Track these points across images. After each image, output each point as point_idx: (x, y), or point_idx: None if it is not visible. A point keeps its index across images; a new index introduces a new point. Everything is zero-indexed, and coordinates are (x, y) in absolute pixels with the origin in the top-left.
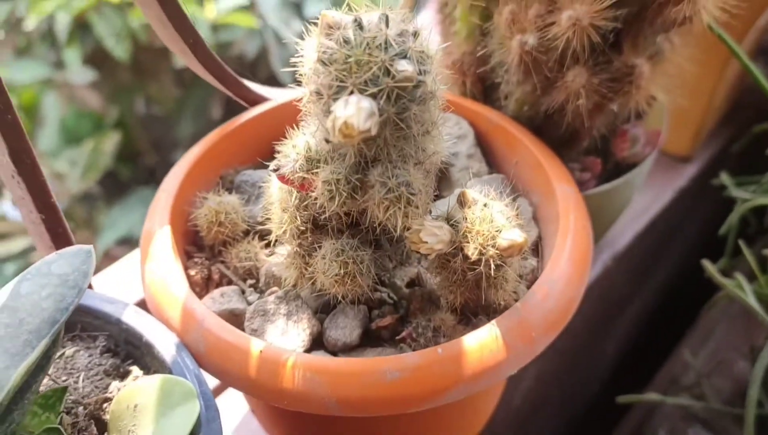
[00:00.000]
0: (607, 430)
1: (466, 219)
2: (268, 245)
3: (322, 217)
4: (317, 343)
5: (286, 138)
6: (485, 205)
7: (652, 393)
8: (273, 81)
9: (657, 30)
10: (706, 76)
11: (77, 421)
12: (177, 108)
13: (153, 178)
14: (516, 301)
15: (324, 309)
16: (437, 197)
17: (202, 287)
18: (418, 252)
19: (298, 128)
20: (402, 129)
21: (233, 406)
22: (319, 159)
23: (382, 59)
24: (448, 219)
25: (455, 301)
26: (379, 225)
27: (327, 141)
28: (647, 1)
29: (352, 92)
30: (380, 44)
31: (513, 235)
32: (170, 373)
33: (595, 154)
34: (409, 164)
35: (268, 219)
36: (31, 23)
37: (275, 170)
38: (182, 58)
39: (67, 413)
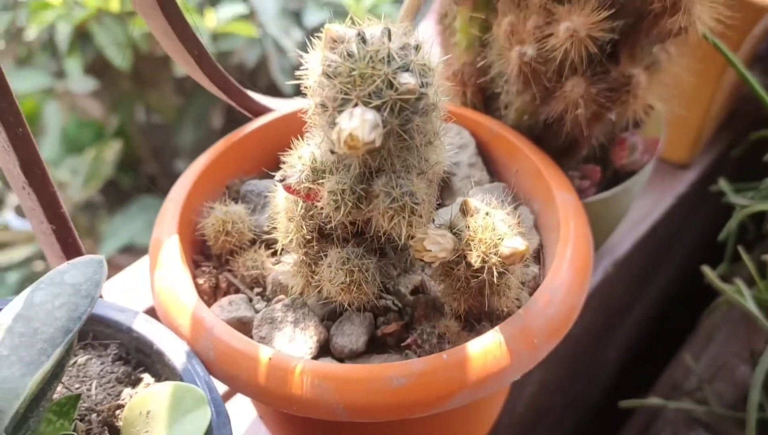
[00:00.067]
0: None
1: (469, 227)
2: (274, 254)
3: (328, 226)
4: (324, 350)
5: (290, 148)
6: (487, 213)
7: (654, 398)
8: (273, 89)
9: (653, 41)
10: (704, 85)
11: (91, 428)
12: (177, 116)
13: (154, 187)
14: (518, 307)
15: (330, 316)
16: (439, 206)
17: (210, 296)
18: (422, 260)
19: (302, 139)
20: (405, 140)
21: (241, 412)
22: (325, 169)
23: (386, 72)
24: (451, 227)
25: (459, 307)
26: (384, 234)
27: (332, 152)
28: (643, 13)
29: (356, 104)
30: (383, 58)
31: (515, 243)
32: (181, 380)
33: (594, 162)
34: (413, 174)
35: (275, 228)
36: (32, 33)
37: (281, 181)
38: (187, 69)
39: (81, 420)
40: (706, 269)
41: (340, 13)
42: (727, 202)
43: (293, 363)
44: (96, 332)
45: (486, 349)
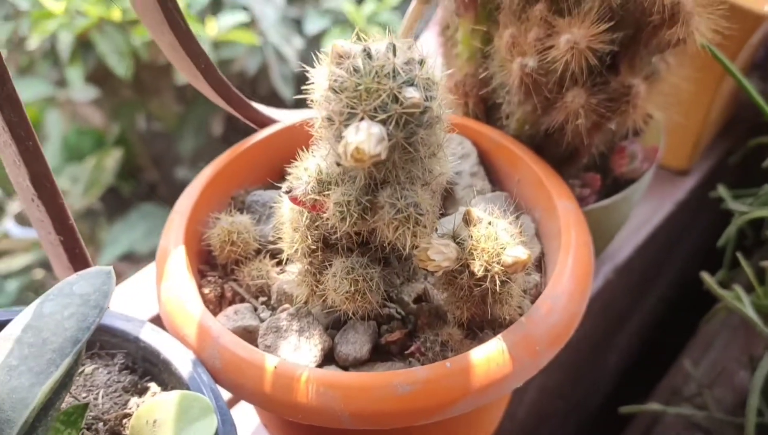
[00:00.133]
0: None
1: (472, 237)
2: (279, 263)
3: (333, 236)
4: (328, 358)
5: (294, 159)
6: (490, 223)
7: (654, 403)
8: (274, 97)
9: (652, 51)
10: (702, 93)
11: None
12: (178, 124)
13: (154, 194)
14: (521, 315)
15: (335, 325)
16: (442, 215)
17: (215, 305)
18: (425, 269)
19: (306, 150)
20: (410, 152)
21: (244, 420)
22: (330, 181)
23: (391, 87)
24: (454, 237)
25: (462, 316)
26: (389, 244)
27: (338, 164)
28: (642, 25)
29: (362, 118)
30: (388, 72)
31: (517, 252)
32: (187, 389)
33: (594, 170)
34: (417, 185)
35: (280, 238)
36: (33, 42)
37: (287, 192)
38: (193, 82)
39: (88, 429)
40: (705, 275)
41: (341, 21)
42: (726, 209)
43: (299, 371)
44: (103, 342)
45: (489, 356)
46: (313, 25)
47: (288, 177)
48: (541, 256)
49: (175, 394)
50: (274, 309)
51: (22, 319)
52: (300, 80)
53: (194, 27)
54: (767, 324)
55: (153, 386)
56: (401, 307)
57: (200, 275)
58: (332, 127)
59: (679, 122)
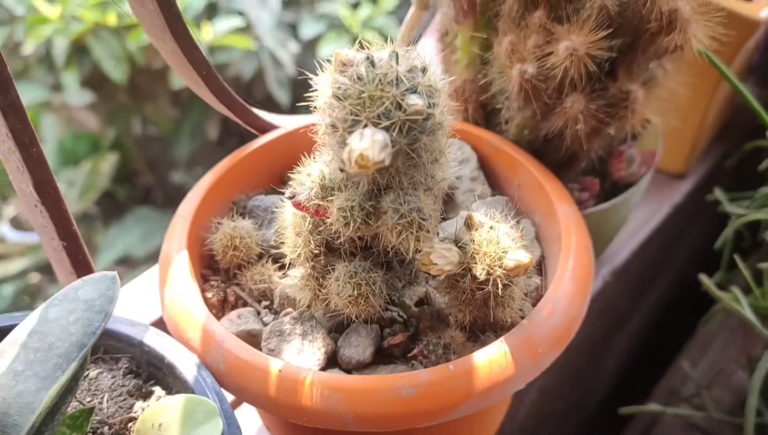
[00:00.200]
0: None
1: (474, 241)
2: (281, 268)
3: (337, 241)
4: (332, 361)
5: (296, 164)
6: (491, 227)
7: (654, 404)
8: (269, 101)
9: (650, 58)
10: (699, 98)
11: None
12: (174, 129)
13: (150, 198)
14: (522, 318)
15: (337, 328)
16: (443, 219)
17: (218, 309)
18: (428, 273)
19: (307, 156)
20: (413, 158)
21: (247, 422)
22: (333, 187)
23: (394, 94)
24: (456, 241)
25: (464, 319)
26: (392, 248)
27: (341, 170)
28: (640, 32)
29: (366, 125)
30: (392, 80)
31: (519, 255)
32: (192, 392)
33: (593, 174)
34: (420, 191)
35: (282, 243)
36: (29, 47)
37: (291, 197)
38: (194, 88)
39: (93, 433)
40: (704, 277)
41: (336, 25)
42: (723, 211)
43: (303, 374)
44: (107, 346)
45: (491, 359)
46: (309, 29)
47: (291, 182)
48: (541, 260)
49: (180, 398)
50: (277, 313)
51: (28, 324)
52: (296, 85)
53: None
54: (765, 325)
55: (157, 390)
56: (403, 311)
57: (203, 280)
58: (336, 134)
59: (676, 126)
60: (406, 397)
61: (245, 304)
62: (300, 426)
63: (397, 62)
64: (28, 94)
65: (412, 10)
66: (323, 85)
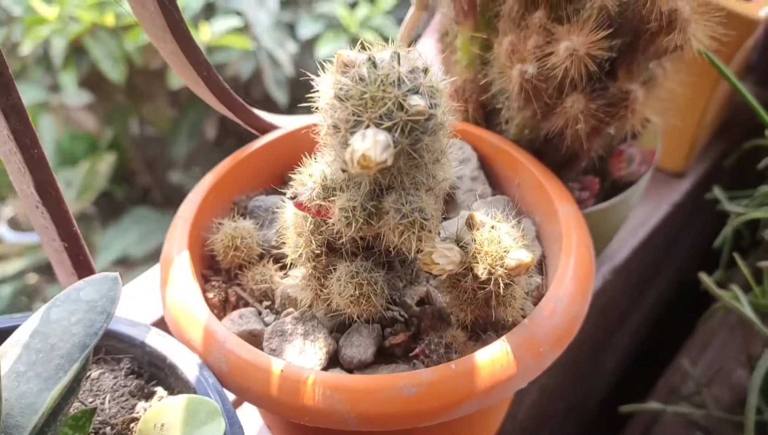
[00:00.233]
0: None
1: (475, 241)
2: (282, 268)
3: (338, 241)
4: (333, 361)
5: (296, 164)
6: (493, 227)
7: (654, 402)
8: (267, 101)
9: (650, 57)
10: (697, 97)
11: None
12: (171, 129)
13: (147, 199)
14: (523, 317)
15: (339, 328)
16: (444, 219)
17: (219, 309)
18: (430, 273)
19: (307, 156)
20: (415, 158)
21: (248, 421)
22: (335, 187)
23: (396, 95)
24: (458, 241)
25: (466, 318)
26: (394, 248)
27: (343, 170)
28: (640, 32)
29: (368, 126)
30: (393, 81)
31: (520, 255)
32: (194, 392)
33: (593, 173)
34: (421, 191)
35: (283, 243)
36: (26, 48)
37: (292, 198)
38: (195, 89)
39: (96, 433)
40: (703, 276)
41: (334, 25)
42: (722, 210)
43: (305, 374)
44: (109, 347)
45: (493, 358)
46: (307, 29)
47: (292, 183)
48: (542, 259)
49: (182, 398)
50: (278, 313)
51: (30, 325)
52: (294, 85)
53: None
54: (765, 323)
55: (159, 390)
56: (404, 310)
57: (204, 280)
58: (338, 135)
59: (676, 125)
60: (408, 396)
61: (246, 305)
62: (302, 426)
63: (399, 63)
64: (26, 95)
65: (411, 10)
66: (325, 86)
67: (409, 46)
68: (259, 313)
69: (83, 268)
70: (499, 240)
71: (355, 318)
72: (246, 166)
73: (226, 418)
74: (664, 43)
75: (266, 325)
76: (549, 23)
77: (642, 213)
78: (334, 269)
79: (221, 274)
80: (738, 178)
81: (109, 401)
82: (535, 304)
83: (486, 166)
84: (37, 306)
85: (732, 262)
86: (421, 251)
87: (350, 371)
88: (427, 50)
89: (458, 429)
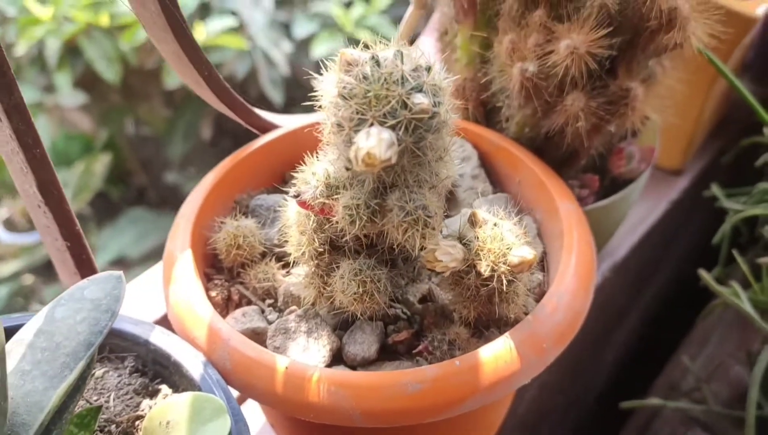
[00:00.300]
0: None
1: (478, 238)
2: (284, 266)
3: (343, 239)
4: (337, 358)
5: (297, 163)
6: (495, 224)
7: (655, 398)
8: (263, 101)
9: (649, 55)
10: (695, 94)
11: None
12: (167, 129)
13: (143, 199)
14: (526, 314)
15: (342, 326)
16: (445, 217)
17: (222, 308)
18: (433, 270)
19: (308, 155)
20: (418, 156)
21: (251, 419)
22: (339, 185)
23: (400, 93)
24: (460, 238)
25: (469, 315)
26: (397, 246)
27: (347, 168)
28: (640, 30)
29: (372, 124)
30: (397, 79)
31: (523, 252)
32: (199, 390)
33: (592, 171)
34: (425, 188)
35: (286, 241)
36: (21, 48)
37: (296, 196)
38: (196, 89)
39: (101, 431)
40: (703, 272)
41: (329, 25)
42: (720, 207)
43: (310, 371)
44: (113, 345)
45: (497, 354)
46: (302, 29)
47: (295, 181)
48: (543, 256)
49: (187, 396)
50: (281, 311)
51: (34, 324)
52: (289, 84)
53: None
54: (765, 319)
55: (164, 388)
56: (407, 308)
57: (207, 279)
58: (342, 133)
59: (673, 123)
60: (412, 392)
61: (249, 303)
62: (305, 423)
63: (402, 61)
64: None
65: (410, 9)
66: (328, 85)
67: (409, 45)
68: (262, 312)
69: (86, 268)
70: (501, 237)
71: (358, 315)
72: (247, 165)
73: (231, 415)
74: (663, 41)
75: (269, 323)
76: (549, 21)
77: (640, 211)
78: (337, 267)
79: (224, 273)
80: (735, 175)
81: (114, 399)
82: (537, 301)
83: (486, 164)
84: (33, 307)
85: (730, 259)
86: (425, 248)
87: (354, 368)
88: (427, 49)
89: (462, 425)
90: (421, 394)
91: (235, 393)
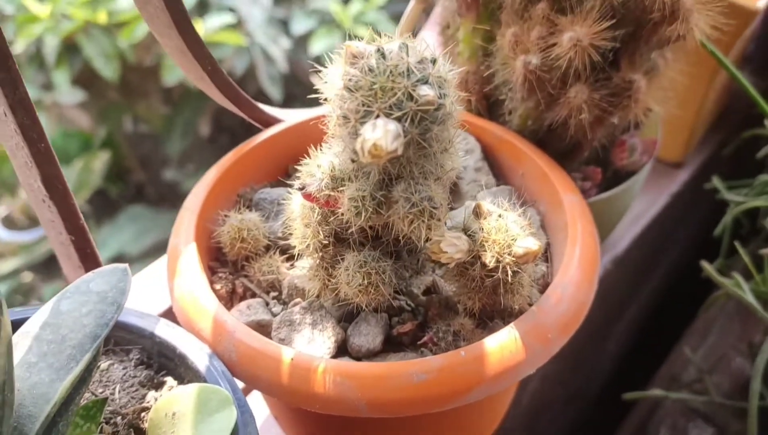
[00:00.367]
0: (610, 427)
1: (483, 229)
2: (289, 259)
3: (348, 230)
4: (341, 350)
5: (299, 157)
6: (500, 215)
7: (657, 389)
8: (261, 97)
9: (652, 48)
10: (696, 87)
11: (117, 431)
12: (165, 126)
13: (142, 196)
14: (530, 305)
15: (347, 318)
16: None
17: (226, 301)
18: (437, 261)
19: (311, 148)
20: (424, 148)
21: (254, 411)
22: (344, 177)
23: (405, 85)
24: (465, 229)
25: (473, 306)
26: (404, 237)
27: (353, 160)
28: (643, 22)
29: (378, 116)
30: (403, 71)
31: (528, 243)
32: (204, 382)
33: (594, 163)
34: (430, 180)
35: (290, 234)
36: (19, 46)
37: (301, 189)
38: (199, 84)
39: (107, 423)
40: (705, 264)
41: (327, 21)
42: (720, 200)
43: (315, 362)
44: (117, 338)
45: (502, 344)
46: (300, 25)
47: (299, 174)
48: (546, 248)
49: (193, 387)
50: (285, 303)
51: (40, 317)
52: (287, 80)
53: None
54: (767, 309)
55: (169, 380)
56: (411, 300)
57: (211, 272)
58: (347, 125)
59: (674, 116)
60: (418, 382)
61: (253, 296)
62: (310, 415)
63: (408, 54)
64: None
65: (412, 3)
66: (333, 77)
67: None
68: (267, 304)
69: (90, 262)
70: (506, 228)
71: (363, 307)
72: (250, 159)
73: (237, 406)
74: (666, 33)
75: (274, 315)
76: (552, 14)
77: (641, 204)
78: (342, 259)
79: (228, 266)
80: (736, 168)
81: (119, 392)
82: (541, 292)
83: (489, 156)
84: (33, 304)
85: (731, 251)
86: (430, 240)
87: (358, 360)
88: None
89: (467, 415)
90: (426, 384)
91: (240, 385)
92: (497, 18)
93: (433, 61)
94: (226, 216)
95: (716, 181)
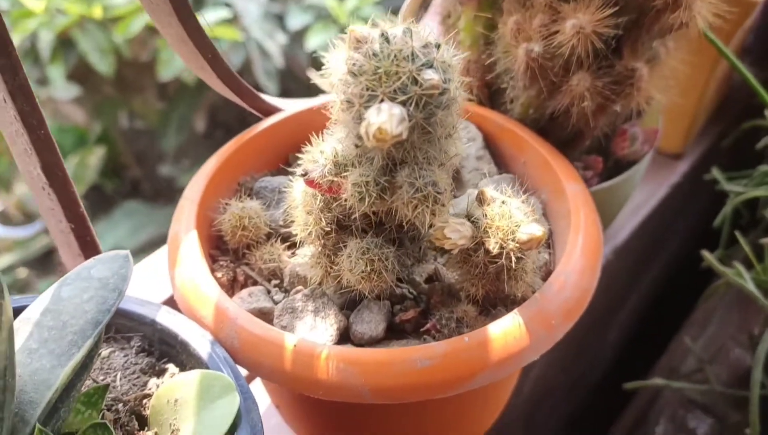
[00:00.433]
0: (610, 415)
1: (486, 215)
2: (290, 247)
3: (351, 217)
4: (344, 337)
5: (300, 145)
6: (503, 202)
7: (658, 378)
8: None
9: (655, 35)
10: (696, 77)
11: (118, 417)
12: (161, 121)
13: (138, 191)
14: (533, 292)
15: (349, 305)
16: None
17: (228, 289)
18: (441, 248)
19: (311, 136)
20: (428, 132)
21: None
22: (347, 163)
23: (410, 69)
24: (469, 216)
25: (476, 293)
26: (407, 223)
27: (357, 146)
28: (646, 9)
29: (382, 100)
30: (407, 56)
31: (532, 229)
32: (206, 368)
33: (595, 153)
34: (434, 165)
35: (292, 222)
36: (14, 41)
37: (303, 175)
38: (200, 74)
39: (108, 410)
40: (706, 253)
41: (323, 16)
42: (720, 191)
43: (318, 349)
44: (118, 325)
45: (506, 330)
46: (296, 20)
47: (301, 161)
48: (549, 236)
49: (195, 373)
50: (287, 291)
51: (40, 304)
52: (283, 75)
53: None
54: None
55: (171, 367)
56: (413, 288)
57: (212, 260)
58: (351, 110)
59: (674, 106)
60: (421, 368)
61: (255, 284)
62: (312, 402)
63: (412, 38)
64: None
65: None
66: (337, 62)
67: None
68: (268, 292)
69: (90, 249)
70: (510, 214)
71: (365, 294)
72: (251, 147)
73: (240, 393)
74: (669, 20)
75: (275, 303)
76: (555, 1)
77: (641, 194)
78: (344, 246)
79: (229, 254)
80: (736, 158)
81: (120, 379)
82: (544, 280)
83: (491, 145)
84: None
85: (731, 242)
86: (434, 226)
87: (361, 347)
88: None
89: (471, 402)
90: (430, 369)
91: (243, 373)
92: (499, 6)
93: (438, 46)
94: (226, 204)
95: (716, 172)
